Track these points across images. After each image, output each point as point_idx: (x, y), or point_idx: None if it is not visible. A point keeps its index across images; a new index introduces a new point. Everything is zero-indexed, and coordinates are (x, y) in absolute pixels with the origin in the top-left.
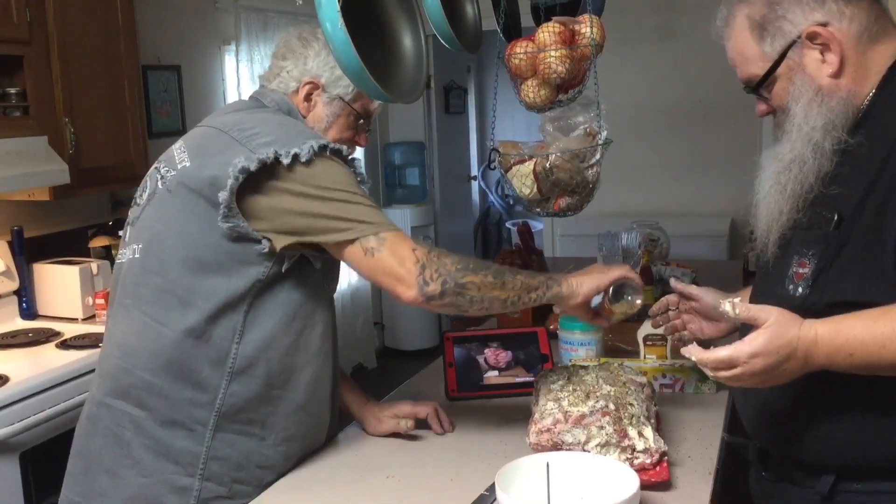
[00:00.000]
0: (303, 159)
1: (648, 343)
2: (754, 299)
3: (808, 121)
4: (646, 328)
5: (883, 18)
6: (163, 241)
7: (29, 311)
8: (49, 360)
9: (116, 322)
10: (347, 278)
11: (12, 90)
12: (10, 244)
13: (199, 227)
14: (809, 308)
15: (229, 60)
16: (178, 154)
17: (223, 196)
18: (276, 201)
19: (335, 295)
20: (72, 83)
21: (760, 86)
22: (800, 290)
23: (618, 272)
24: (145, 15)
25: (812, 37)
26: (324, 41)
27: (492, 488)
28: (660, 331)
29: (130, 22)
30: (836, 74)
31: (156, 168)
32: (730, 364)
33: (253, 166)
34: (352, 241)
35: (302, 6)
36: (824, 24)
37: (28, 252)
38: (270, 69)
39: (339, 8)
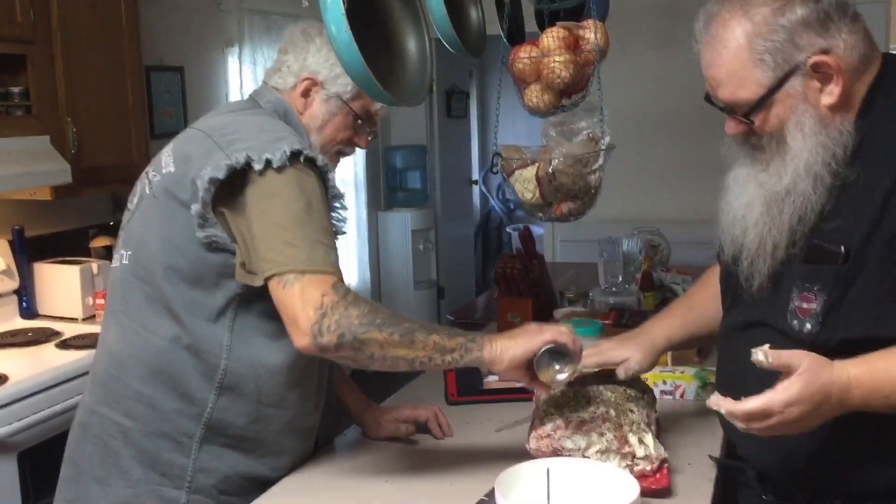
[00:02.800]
0: (275, 165)
1: None
2: (737, 330)
3: (813, 155)
4: None
5: (871, 42)
6: (147, 248)
7: (29, 311)
8: (48, 360)
9: (108, 328)
10: (347, 280)
11: (15, 89)
12: (11, 243)
13: (180, 235)
14: (821, 345)
15: (232, 62)
16: (165, 158)
17: (195, 208)
18: (244, 209)
19: None
20: (75, 83)
21: (754, 111)
22: (808, 326)
23: (548, 335)
24: (149, 15)
25: (816, 66)
26: (327, 37)
27: (491, 494)
28: None
29: (134, 22)
30: (835, 106)
31: (146, 172)
32: (764, 415)
33: (221, 174)
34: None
35: (306, 9)
36: (827, 51)
37: (29, 251)
38: (274, 63)
39: (343, 11)
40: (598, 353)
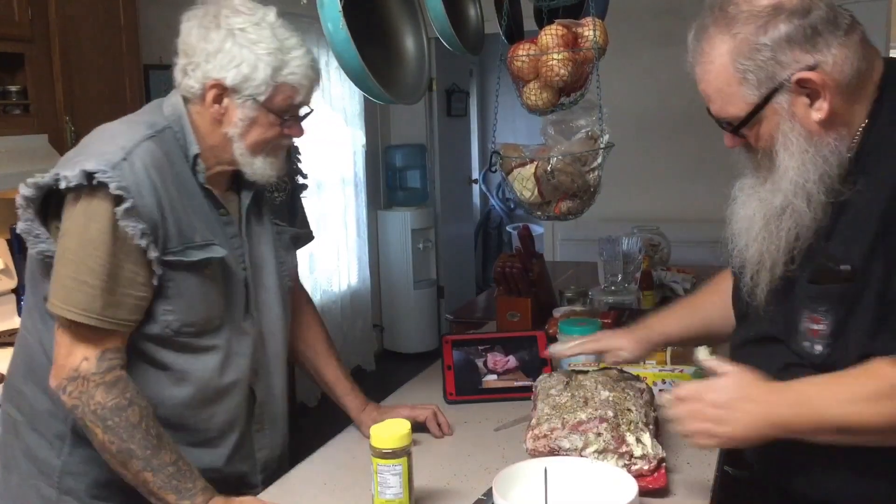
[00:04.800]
0: (71, 184)
1: None
2: (753, 343)
3: (801, 173)
4: None
5: (869, 54)
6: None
7: None
8: None
9: None
10: (347, 279)
11: (13, 88)
12: (9, 242)
13: (36, 248)
14: (831, 367)
15: None
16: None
17: (20, 226)
18: (60, 229)
19: (335, 297)
20: (73, 82)
21: (741, 127)
22: (818, 348)
23: None
24: (147, 14)
25: (802, 83)
26: (226, 30)
27: (489, 493)
28: None
29: (132, 20)
30: (825, 122)
31: None
32: (688, 398)
33: (30, 192)
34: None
35: (304, 7)
36: (813, 67)
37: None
38: (176, 63)
39: (340, 8)
40: (594, 339)
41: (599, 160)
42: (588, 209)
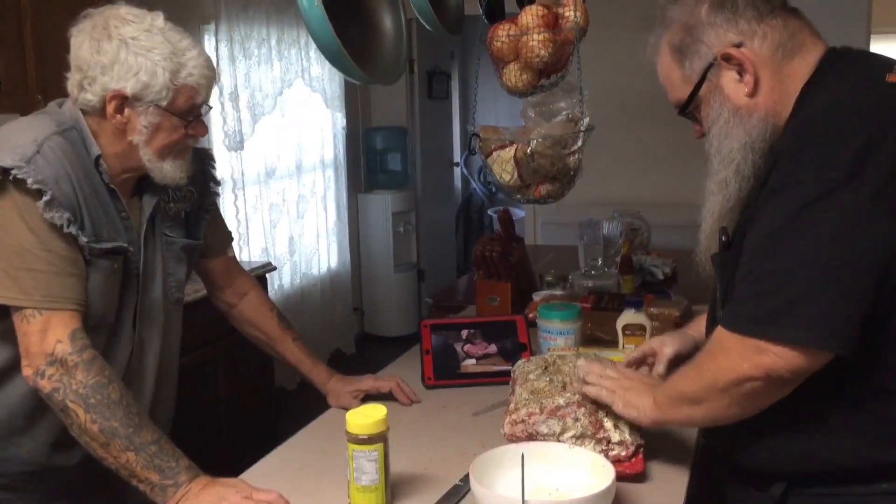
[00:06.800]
0: None
1: (627, 333)
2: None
3: (726, 142)
4: (624, 318)
5: (801, 32)
6: None
7: None
8: None
9: None
10: (327, 262)
11: None
12: None
13: None
14: None
15: (208, 40)
16: None
17: None
18: None
19: (315, 280)
20: (45, 60)
21: (686, 107)
22: (719, 312)
23: None
24: None
25: (727, 58)
26: (118, 40)
27: (466, 478)
28: (640, 320)
29: None
30: (752, 94)
31: None
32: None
33: None
34: (15, 307)
35: None
36: (738, 45)
37: None
38: (70, 78)
39: None
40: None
41: (580, 143)
42: (568, 193)
